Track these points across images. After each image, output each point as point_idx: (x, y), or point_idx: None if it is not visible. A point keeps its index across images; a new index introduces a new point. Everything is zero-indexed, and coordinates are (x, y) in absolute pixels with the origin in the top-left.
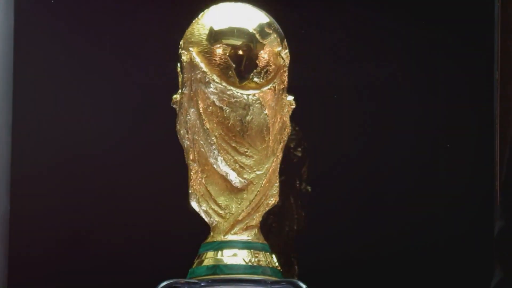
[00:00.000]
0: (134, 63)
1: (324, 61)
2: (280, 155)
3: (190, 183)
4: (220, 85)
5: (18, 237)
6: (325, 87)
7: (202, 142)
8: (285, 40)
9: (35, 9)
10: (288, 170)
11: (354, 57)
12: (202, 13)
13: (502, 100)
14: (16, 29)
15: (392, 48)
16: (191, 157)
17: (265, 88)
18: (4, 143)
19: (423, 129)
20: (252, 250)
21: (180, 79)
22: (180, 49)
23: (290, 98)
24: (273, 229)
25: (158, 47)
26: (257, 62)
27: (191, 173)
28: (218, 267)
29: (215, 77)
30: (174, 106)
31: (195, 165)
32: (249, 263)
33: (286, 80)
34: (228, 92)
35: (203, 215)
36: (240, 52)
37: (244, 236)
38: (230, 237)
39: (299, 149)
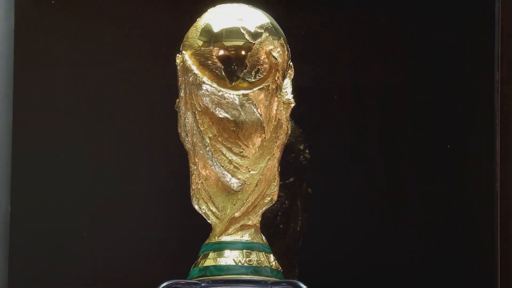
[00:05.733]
0: (135, 63)
1: (324, 62)
2: (277, 154)
3: (191, 185)
4: (210, 87)
5: (18, 237)
6: (325, 88)
7: (200, 144)
8: (281, 39)
9: (35, 9)
10: (296, 172)
11: (354, 58)
12: (201, 16)
13: (502, 100)
14: (16, 29)
15: (392, 49)
16: (191, 159)
17: (256, 88)
18: (4, 143)
19: (424, 129)
20: (244, 251)
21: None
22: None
23: (289, 96)
24: (280, 230)
25: (162, 48)
26: (247, 62)
27: (192, 175)
28: (208, 269)
29: (205, 79)
30: (177, 109)
31: (195, 167)
32: (239, 264)
33: (280, 78)
34: (219, 93)
35: (204, 216)
36: (231, 53)
37: (238, 237)
38: (224, 238)
39: (307, 151)
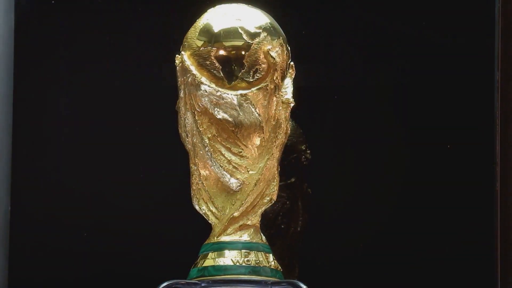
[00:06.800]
0: (135, 63)
1: (324, 62)
2: (276, 154)
3: (192, 186)
4: (208, 87)
5: (18, 237)
6: (325, 88)
7: (200, 145)
8: (280, 39)
9: (35, 9)
10: (298, 172)
11: (354, 58)
12: (200, 16)
13: (502, 100)
14: (16, 29)
15: (392, 49)
16: (192, 160)
17: (255, 88)
18: (4, 144)
19: (424, 129)
20: (243, 251)
21: None
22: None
23: (289, 96)
24: (281, 230)
25: (162, 48)
26: (245, 62)
27: (192, 175)
28: (207, 269)
29: (204, 79)
30: (177, 110)
31: (195, 167)
32: (237, 264)
33: (279, 78)
34: (217, 94)
35: (204, 216)
36: (229, 53)
37: (237, 237)
38: (223, 238)
39: (309, 151)
